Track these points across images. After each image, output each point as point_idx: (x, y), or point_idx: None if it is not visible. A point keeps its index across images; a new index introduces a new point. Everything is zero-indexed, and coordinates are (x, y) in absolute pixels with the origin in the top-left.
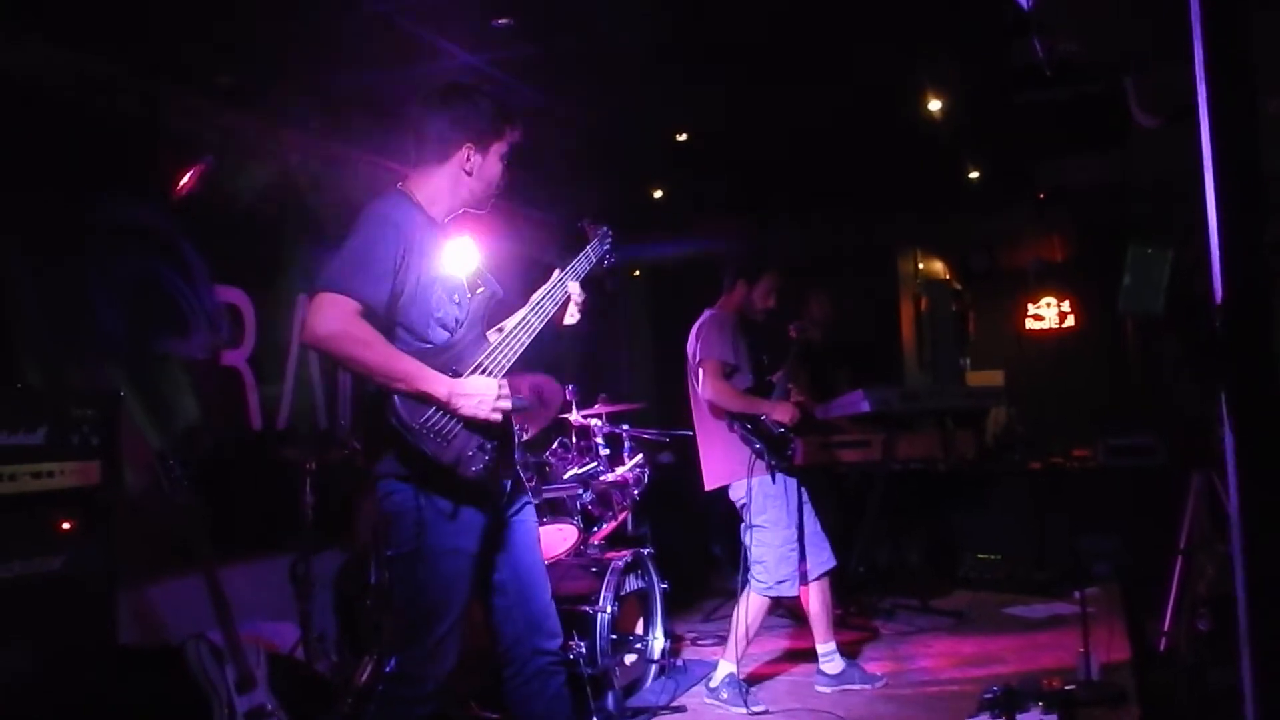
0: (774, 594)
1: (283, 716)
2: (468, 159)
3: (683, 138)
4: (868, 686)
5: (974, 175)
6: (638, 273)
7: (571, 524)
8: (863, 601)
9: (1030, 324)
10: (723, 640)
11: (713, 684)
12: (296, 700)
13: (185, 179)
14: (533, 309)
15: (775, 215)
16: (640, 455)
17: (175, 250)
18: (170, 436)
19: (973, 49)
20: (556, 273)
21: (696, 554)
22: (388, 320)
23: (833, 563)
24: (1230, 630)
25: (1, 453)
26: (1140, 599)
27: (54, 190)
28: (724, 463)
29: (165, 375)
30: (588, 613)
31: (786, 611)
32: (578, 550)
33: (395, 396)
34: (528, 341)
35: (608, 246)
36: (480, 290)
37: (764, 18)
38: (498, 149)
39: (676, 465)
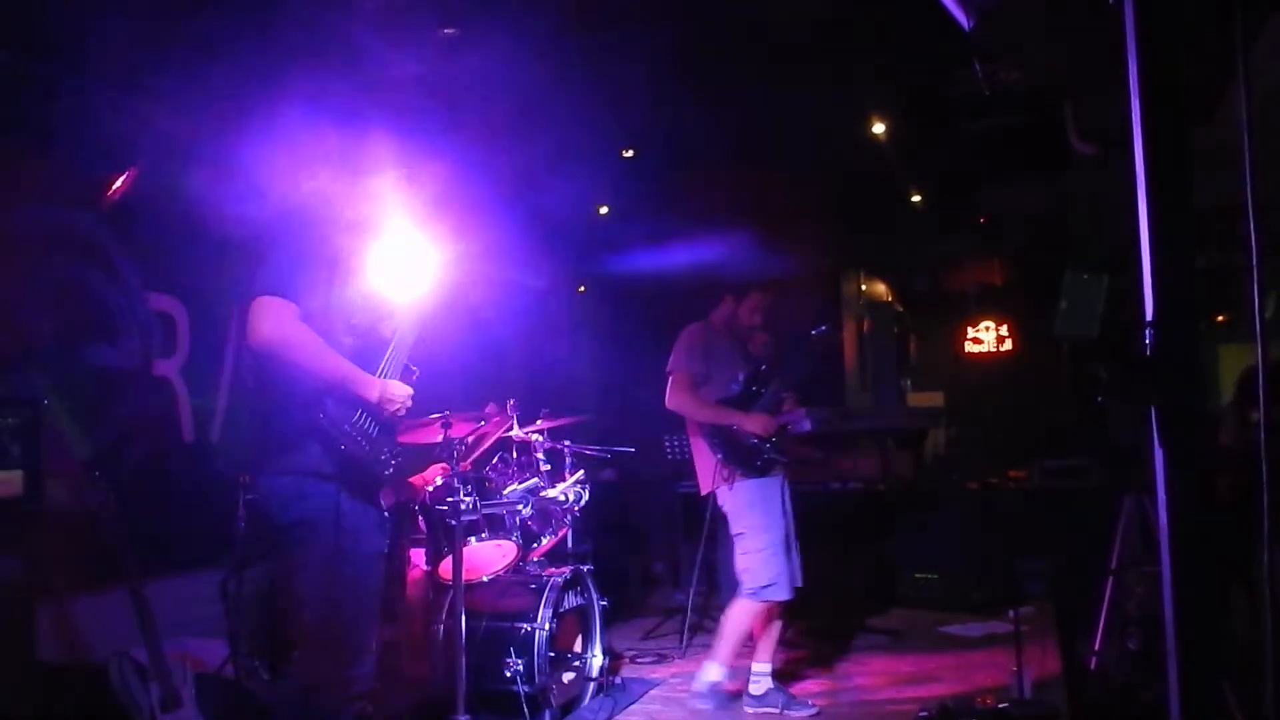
0: (764, 598)
1: None
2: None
3: (629, 154)
4: (790, 714)
5: (917, 199)
6: (583, 288)
7: (510, 540)
8: (800, 620)
9: (969, 347)
10: (662, 658)
11: (698, 685)
12: (225, 718)
13: (117, 183)
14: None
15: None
16: (581, 472)
17: (104, 256)
18: (97, 447)
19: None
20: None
21: (637, 572)
22: None
23: (796, 583)
24: (1158, 649)
25: None
26: (1073, 618)
27: None
28: (703, 471)
29: (93, 384)
30: (525, 630)
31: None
32: (517, 566)
33: (328, 398)
34: None
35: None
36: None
37: (714, 39)
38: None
39: (619, 483)
